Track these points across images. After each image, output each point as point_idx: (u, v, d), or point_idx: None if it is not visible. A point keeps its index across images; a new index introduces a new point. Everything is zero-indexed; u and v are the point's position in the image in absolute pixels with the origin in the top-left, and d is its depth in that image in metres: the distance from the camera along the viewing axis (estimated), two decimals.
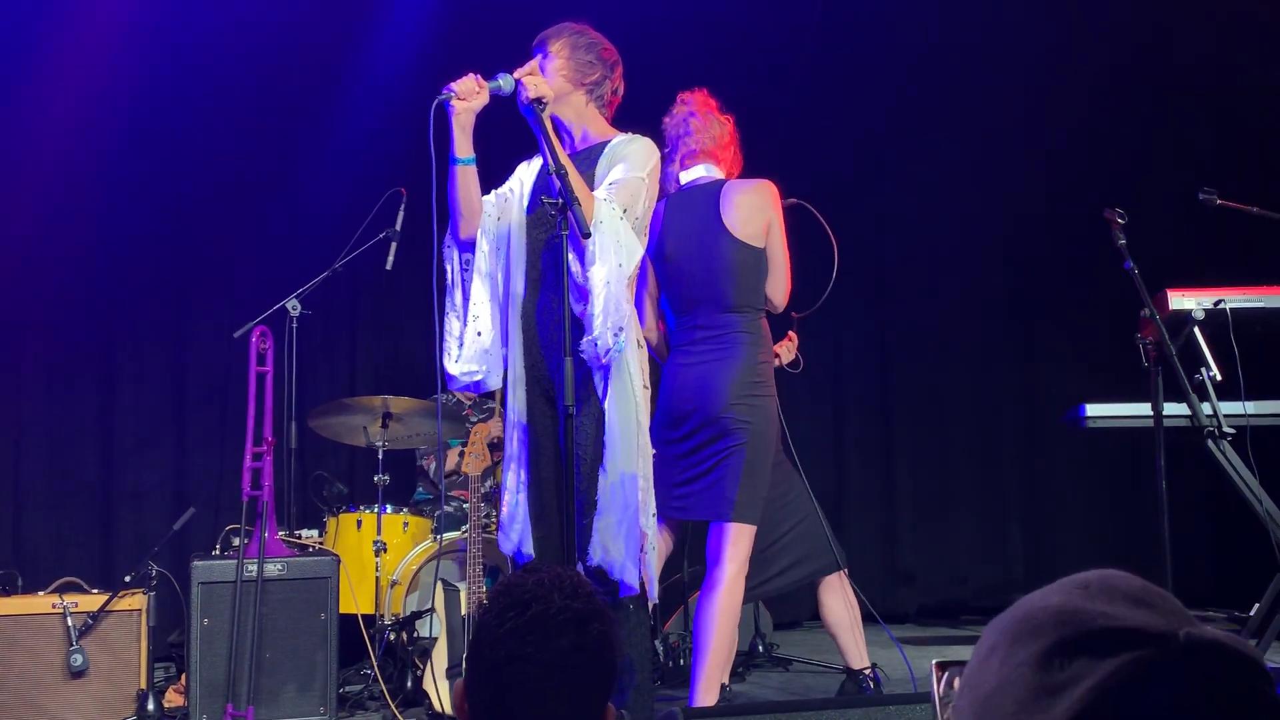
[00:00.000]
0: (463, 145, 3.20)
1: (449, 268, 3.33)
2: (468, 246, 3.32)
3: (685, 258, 3.80)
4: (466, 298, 3.32)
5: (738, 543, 3.70)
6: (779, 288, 3.87)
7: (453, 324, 3.30)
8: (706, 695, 3.68)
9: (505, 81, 3.16)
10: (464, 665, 1.65)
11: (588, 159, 3.31)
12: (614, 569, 3.12)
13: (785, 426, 3.91)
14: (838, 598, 3.99)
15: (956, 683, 0.97)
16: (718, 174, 3.94)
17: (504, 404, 3.42)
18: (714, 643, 3.67)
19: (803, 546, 3.96)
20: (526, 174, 3.42)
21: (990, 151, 6.88)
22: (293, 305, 4.68)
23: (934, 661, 0.99)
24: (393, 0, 6.13)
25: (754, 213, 3.80)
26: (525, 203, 3.35)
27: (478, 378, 3.28)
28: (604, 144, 3.32)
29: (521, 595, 1.57)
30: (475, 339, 3.27)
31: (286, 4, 5.96)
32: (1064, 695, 0.76)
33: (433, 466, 5.65)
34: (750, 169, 3.90)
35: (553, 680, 1.53)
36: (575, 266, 3.07)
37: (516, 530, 3.27)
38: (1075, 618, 0.80)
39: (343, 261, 4.72)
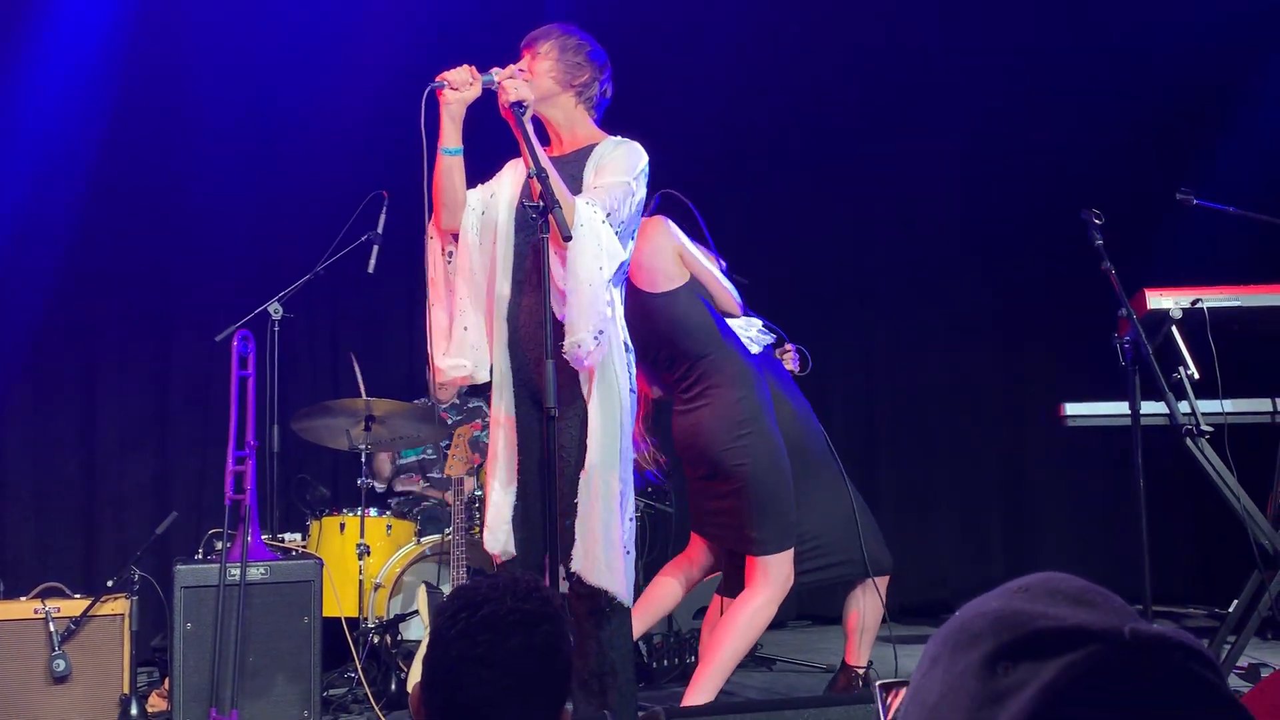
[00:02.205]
0: (451, 136, 3.21)
1: (430, 258, 3.33)
2: (449, 238, 3.32)
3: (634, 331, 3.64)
4: (451, 291, 3.31)
5: (766, 572, 3.78)
6: (723, 300, 3.90)
7: (439, 316, 3.29)
8: (699, 696, 3.70)
9: (498, 74, 3.18)
10: (422, 665, 1.66)
11: (575, 161, 3.31)
12: (593, 573, 3.14)
13: (822, 427, 4.09)
14: (873, 599, 4.08)
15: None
16: None
17: (489, 404, 3.43)
18: (721, 652, 3.74)
19: (838, 547, 4.02)
20: (512, 174, 3.40)
21: (970, 152, 6.91)
22: (275, 309, 4.67)
23: (878, 684, 1.00)
24: (375, 2, 6.13)
25: (656, 255, 3.79)
26: (513, 203, 3.35)
27: (465, 372, 3.27)
28: (591, 146, 3.32)
29: (474, 597, 1.59)
30: (462, 333, 3.27)
31: (267, 5, 5.95)
32: (1010, 701, 0.74)
33: (388, 466, 5.66)
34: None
35: (503, 681, 1.54)
36: (557, 270, 3.08)
37: (503, 530, 3.27)
38: (1015, 620, 0.78)
39: (325, 265, 4.71)
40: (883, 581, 4.08)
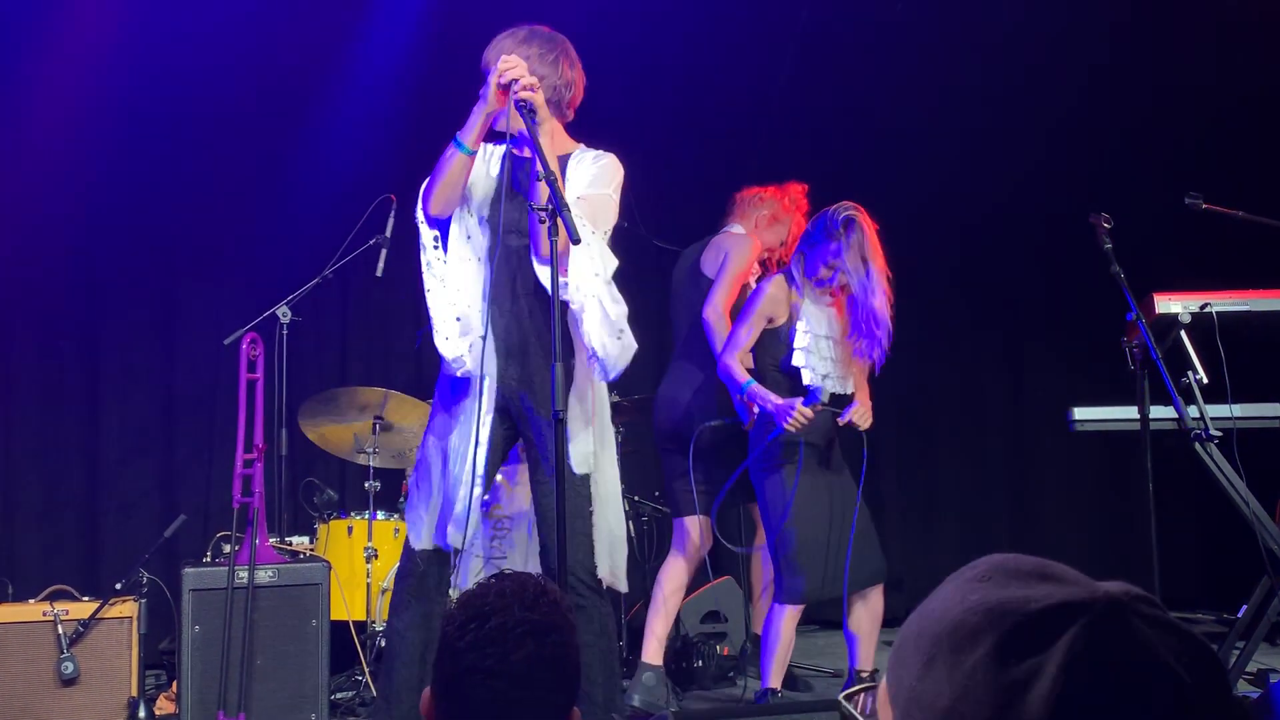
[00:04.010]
0: (476, 136, 3.19)
1: (424, 242, 3.29)
2: (437, 223, 3.28)
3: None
4: (445, 281, 3.29)
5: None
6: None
7: (439, 303, 3.25)
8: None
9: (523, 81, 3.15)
10: (432, 669, 1.66)
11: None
12: (609, 573, 3.26)
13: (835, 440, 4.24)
14: (879, 604, 4.27)
15: (871, 703, 0.98)
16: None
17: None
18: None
19: (868, 555, 4.21)
20: (485, 169, 3.38)
21: (978, 155, 6.90)
22: (283, 312, 4.68)
23: (840, 695, 0.99)
24: (382, 5, 6.14)
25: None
26: (483, 206, 3.33)
27: (465, 369, 3.25)
28: (565, 157, 3.32)
29: (482, 607, 1.59)
30: (457, 324, 3.26)
31: (274, 9, 5.96)
32: (1034, 685, 0.77)
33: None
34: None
35: (513, 692, 1.55)
36: (540, 272, 3.15)
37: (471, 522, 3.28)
38: (1006, 609, 0.81)
39: (333, 268, 4.72)
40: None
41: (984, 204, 6.94)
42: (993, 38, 6.69)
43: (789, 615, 4.13)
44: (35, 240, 5.73)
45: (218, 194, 6.01)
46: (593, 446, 3.26)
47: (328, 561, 4.33)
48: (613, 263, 3.18)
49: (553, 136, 3.26)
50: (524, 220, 3.25)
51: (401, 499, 5.67)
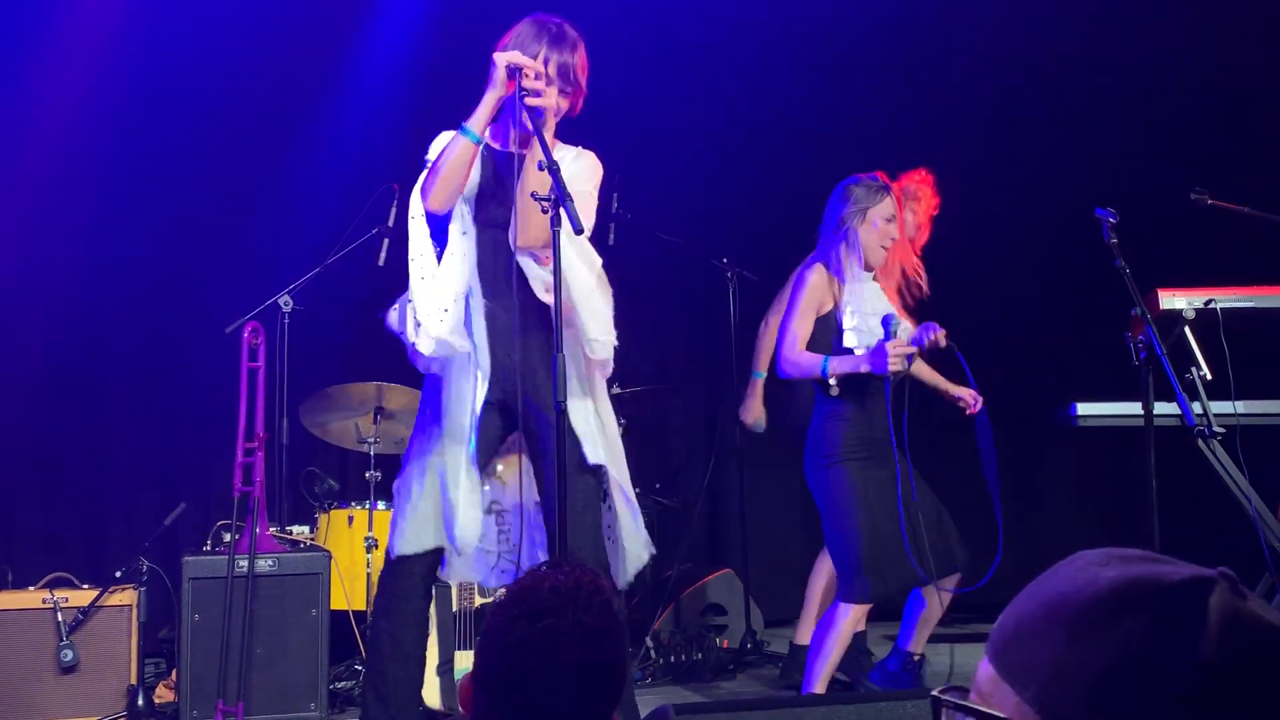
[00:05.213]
0: (484, 123, 3.15)
1: (415, 237, 3.26)
2: (433, 219, 3.25)
3: None
4: (435, 278, 3.26)
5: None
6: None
7: (427, 296, 3.21)
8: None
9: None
10: (474, 658, 1.62)
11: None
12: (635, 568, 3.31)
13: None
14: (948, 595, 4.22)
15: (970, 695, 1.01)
16: None
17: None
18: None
19: (943, 547, 4.19)
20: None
21: (982, 149, 6.88)
22: (285, 301, 4.68)
23: (935, 691, 1.00)
24: None
25: None
26: (470, 198, 3.30)
27: (452, 351, 3.24)
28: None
29: (536, 604, 1.54)
30: (445, 315, 3.24)
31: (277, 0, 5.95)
32: (1199, 641, 0.86)
33: None
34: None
35: (557, 693, 1.52)
36: (532, 269, 3.18)
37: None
38: (1147, 582, 0.90)
39: (335, 257, 4.71)
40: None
41: (989, 198, 6.92)
42: (995, 31, 6.67)
43: (852, 614, 3.94)
44: (38, 225, 5.72)
45: (221, 182, 6.00)
46: (603, 439, 3.26)
47: (328, 551, 4.33)
48: (596, 260, 3.21)
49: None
50: (505, 214, 3.23)
51: None
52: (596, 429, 3.26)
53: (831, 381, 3.97)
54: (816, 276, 4.07)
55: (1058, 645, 0.90)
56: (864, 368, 3.90)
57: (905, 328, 3.99)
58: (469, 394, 3.24)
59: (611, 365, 3.29)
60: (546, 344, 3.13)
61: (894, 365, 3.84)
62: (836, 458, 4.01)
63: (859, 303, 4.04)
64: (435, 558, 3.28)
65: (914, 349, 3.94)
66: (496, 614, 1.57)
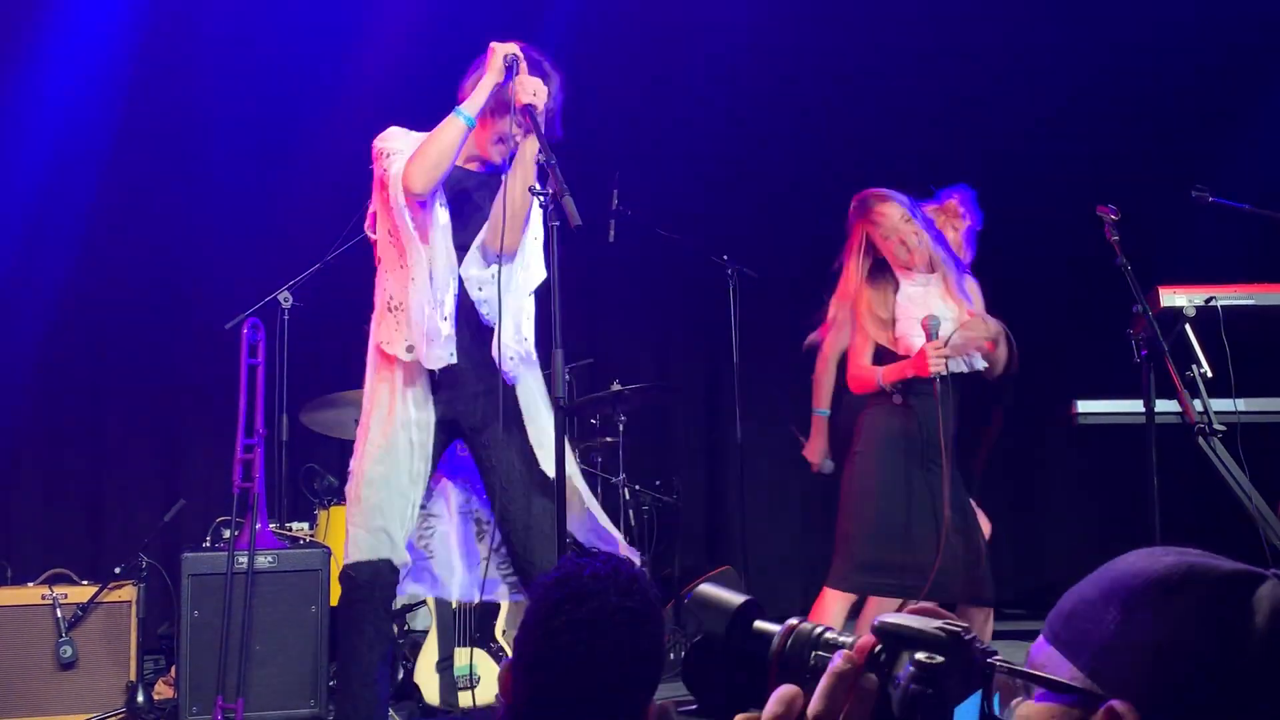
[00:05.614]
0: (479, 107, 3.17)
1: (408, 219, 3.26)
2: (415, 200, 3.23)
3: None
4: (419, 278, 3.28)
5: None
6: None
7: (418, 291, 3.25)
8: None
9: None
10: (514, 645, 1.64)
11: (490, 182, 3.33)
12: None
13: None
14: (986, 632, 4.11)
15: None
16: None
17: None
18: None
19: (956, 571, 3.99)
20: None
21: (983, 146, 6.87)
22: (284, 297, 4.67)
23: (987, 659, 1.00)
24: None
25: None
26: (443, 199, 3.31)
27: (444, 363, 3.26)
28: (508, 163, 3.31)
29: (580, 590, 1.57)
30: (429, 316, 3.24)
31: None
32: (1251, 621, 0.91)
33: None
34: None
35: (599, 678, 1.54)
36: (472, 272, 3.25)
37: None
38: (1204, 567, 0.96)
39: (335, 253, 4.71)
40: None
41: (990, 194, 6.89)
42: (995, 30, 6.67)
43: (832, 601, 3.89)
44: (40, 226, 5.72)
45: (220, 179, 5.99)
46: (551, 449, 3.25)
47: (328, 548, 4.32)
48: (542, 272, 3.27)
49: (489, 154, 3.32)
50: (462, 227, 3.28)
51: None
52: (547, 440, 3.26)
53: (887, 389, 3.97)
54: (867, 291, 4.12)
55: (1114, 618, 0.95)
56: (909, 373, 3.91)
57: (946, 328, 3.97)
58: (425, 402, 3.28)
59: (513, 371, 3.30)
60: (485, 359, 3.22)
61: (934, 367, 3.85)
62: (867, 449, 3.99)
63: (907, 306, 4.04)
64: (395, 569, 3.27)
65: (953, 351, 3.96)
66: (541, 599, 1.59)
